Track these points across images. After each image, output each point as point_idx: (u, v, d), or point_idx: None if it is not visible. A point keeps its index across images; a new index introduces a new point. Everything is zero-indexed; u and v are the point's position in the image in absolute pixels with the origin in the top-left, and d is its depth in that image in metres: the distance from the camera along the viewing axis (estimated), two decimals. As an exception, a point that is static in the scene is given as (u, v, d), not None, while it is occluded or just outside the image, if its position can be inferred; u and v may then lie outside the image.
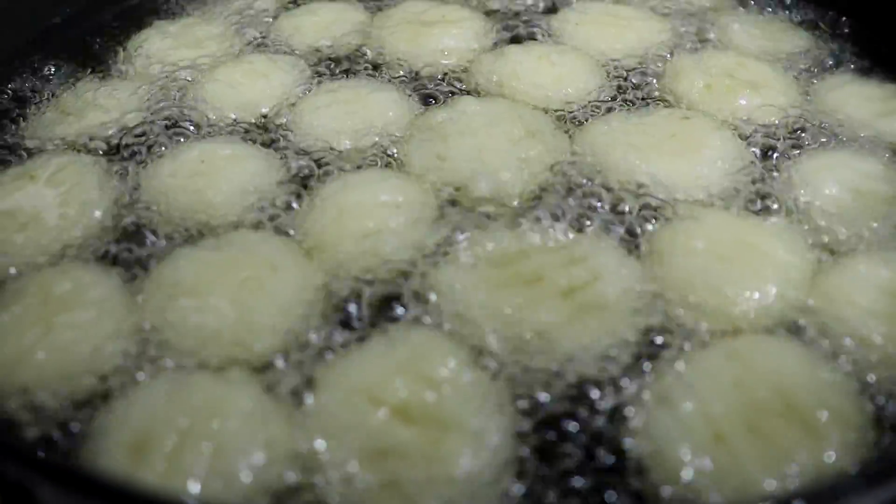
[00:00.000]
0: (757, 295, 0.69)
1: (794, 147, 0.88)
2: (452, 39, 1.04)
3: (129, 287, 0.72)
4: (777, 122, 0.91)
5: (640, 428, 0.61)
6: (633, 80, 0.98)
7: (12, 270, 0.75)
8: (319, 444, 0.59)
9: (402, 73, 1.00)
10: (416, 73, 1.00)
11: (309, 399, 0.62)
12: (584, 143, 0.86)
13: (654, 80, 0.98)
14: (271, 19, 1.14)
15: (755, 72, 0.97)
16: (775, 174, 0.83)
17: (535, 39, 1.07)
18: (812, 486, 0.50)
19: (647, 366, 0.65)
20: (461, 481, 0.56)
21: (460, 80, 0.99)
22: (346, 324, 0.69)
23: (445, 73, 1.00)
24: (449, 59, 1.02)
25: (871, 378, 0.65)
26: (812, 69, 1.01)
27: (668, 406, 0.62)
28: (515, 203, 0.79)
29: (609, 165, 0.83)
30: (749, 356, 0.65)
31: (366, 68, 1.02)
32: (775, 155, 0.86)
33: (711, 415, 0.60)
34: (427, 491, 0.55)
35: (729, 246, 0.73)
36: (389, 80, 0.99)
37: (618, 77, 0.98)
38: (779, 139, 0.89)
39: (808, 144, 0.88)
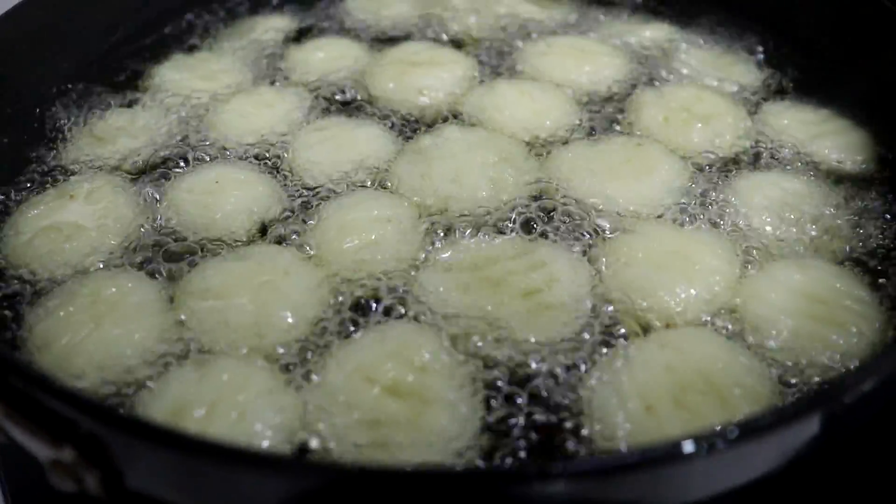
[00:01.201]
0: (687, 295, 0.82)
1: (733, 169, 0.99)
2: (434, 79, 1.14)
3: (162, 290, 0.84)
4: (723, 147, 1.02)
5: (585, 399, 0.74)
6: (600, 113, 1.09)
7: (66, 273, 0.87)
8: (324, 414, 0.72)
9: (388, 108, 1.11)
10: (396, 111, 1.11)
11: (316, 379, 0.75)
12: (550, 168, 0.98)
13: (619, 115, 1.09)
14: (280, 53, 1.26)
15: (709, 103, 1.07)
16: (713, 193, 0.95)
17: (514, 73, 1.18)
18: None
19: (593, 354, 0.78)
20: (437, 442, 0.69)
21: (441, 116, 1.10)
22: (345, 318, 0.82)
23: (423, 110, 1.10)
24: (427, 97, 1.11)
25: (778, 362, 0.77)
26: (758, 97, 1.13)
27: (609, 384, 0.74)
28: (486, 217, 0.92)
29: (570, 186, 0.95)
30: (679, 345, 0.77)
31: (356, 103, 1.14)
32: (716, 176, 0.98)
33: (644, 391, 0.72)
34: (410, 450, 0.68)
35: (666, 255, 0.85)
36: (375, 116, 1.10)
37: (587, 110, 1.09)
38: (721, 163, 1.00)
39: (747, 166, 1.00)
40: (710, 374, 0.74)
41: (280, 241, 0.91)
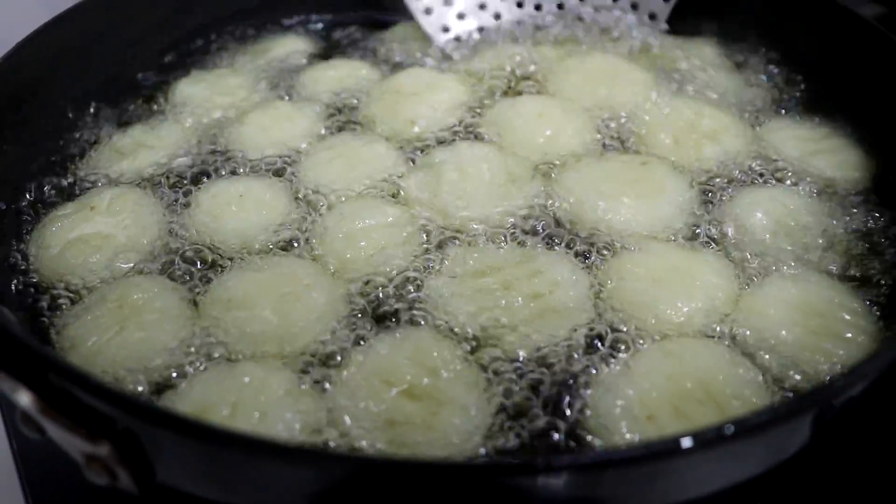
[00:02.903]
0: (688, 309, 0.85)
1: (734, 185, 1.02)
2: (425, 107, 1.15)
3: (184, 297, 0.88)
4: (726, 164, 1.05)
5: (588, 406, 0.77)
6: (613, 135, 1.12)
7: (95, 281, 0.91)
8: (345, 416, 0.75)
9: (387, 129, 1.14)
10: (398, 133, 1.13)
11: (335, 381, 0.78)
12: (559, 185, 1.02)
13: (631, 138, 1.11)
14: (295, 71, 1.30)
15: (715, 120, 1.10)
16: (715, 210, 0.99)
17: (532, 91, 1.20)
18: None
19: (597, 362, 0.81)
20: (451, 442, 0.72)
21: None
22: (363, 324, 0.86)
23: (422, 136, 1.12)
24: (418, 124, 1.13)
25: (775, 372, 0.80)
26: (761, 113, 1.16)
27: (613, 392, 0.77)
28: (492, 228, 0.96)
29: (576, 202, 0.99)
30: (681, 354, 0.80)
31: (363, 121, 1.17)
32: (719, 193, 1.01)
33: (647, 400, 0.75)
34: (425, 448, 0.71)
35: (667, 271, 0.89)
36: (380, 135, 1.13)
37: (600, 131, 1.12)
38: (724, 179, 1.03)
39: (748, 182, 1.03)
40: (710, 384, 0.77)
41: (297, 251, 0.95)
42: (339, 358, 0.82)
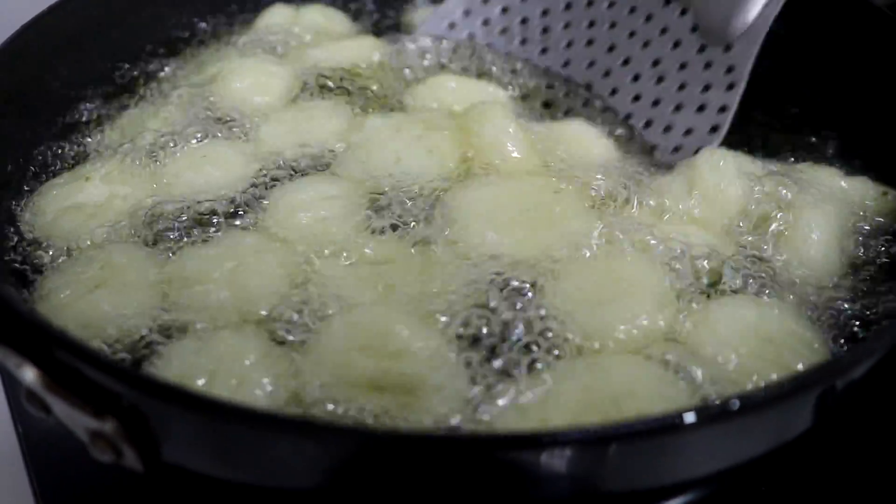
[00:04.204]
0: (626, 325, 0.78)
1: None
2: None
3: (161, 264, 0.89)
4: None
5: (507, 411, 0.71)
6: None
7: (83, 247, 0.92)
8: (316, 382, 0.73)
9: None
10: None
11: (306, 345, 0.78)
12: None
13: None
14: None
15: None
16: None
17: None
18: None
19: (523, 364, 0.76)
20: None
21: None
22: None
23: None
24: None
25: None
26: None
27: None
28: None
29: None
30: (606, 368, 0.73)
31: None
32: None
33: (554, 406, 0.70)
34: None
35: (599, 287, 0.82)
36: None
37: None
38: None
39: None
40: (622, 399, 0.70)
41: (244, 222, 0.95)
42: (303, 323, 0.81)
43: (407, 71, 1.24)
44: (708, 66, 1.04)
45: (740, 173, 0.93)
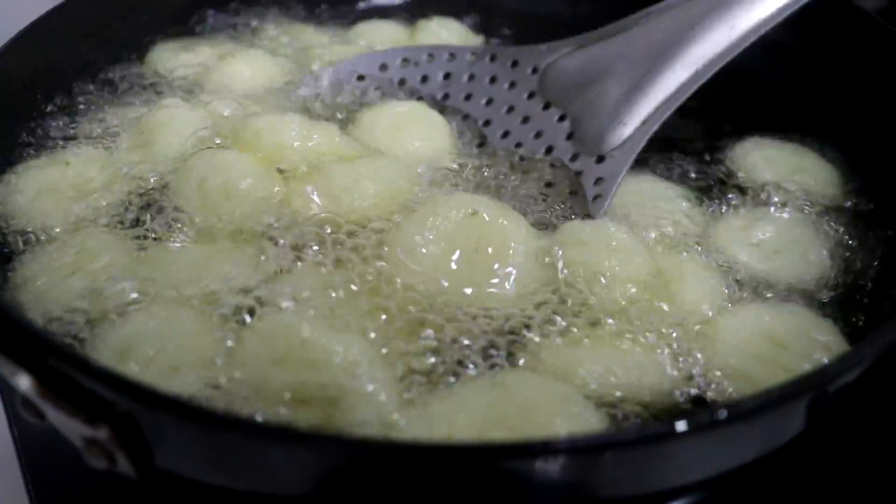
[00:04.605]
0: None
1: None
2: None
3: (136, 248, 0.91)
4: None
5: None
6: None
7: (59, 230, 0.94)
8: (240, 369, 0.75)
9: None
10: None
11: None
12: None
13: None
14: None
15: None
16: None
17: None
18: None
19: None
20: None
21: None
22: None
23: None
24: None
25: None
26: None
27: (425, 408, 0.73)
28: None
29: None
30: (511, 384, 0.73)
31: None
32: None
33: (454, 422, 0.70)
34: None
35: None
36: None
37: None
38: None
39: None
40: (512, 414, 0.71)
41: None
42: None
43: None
44: (578, 174, 1.01)
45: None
